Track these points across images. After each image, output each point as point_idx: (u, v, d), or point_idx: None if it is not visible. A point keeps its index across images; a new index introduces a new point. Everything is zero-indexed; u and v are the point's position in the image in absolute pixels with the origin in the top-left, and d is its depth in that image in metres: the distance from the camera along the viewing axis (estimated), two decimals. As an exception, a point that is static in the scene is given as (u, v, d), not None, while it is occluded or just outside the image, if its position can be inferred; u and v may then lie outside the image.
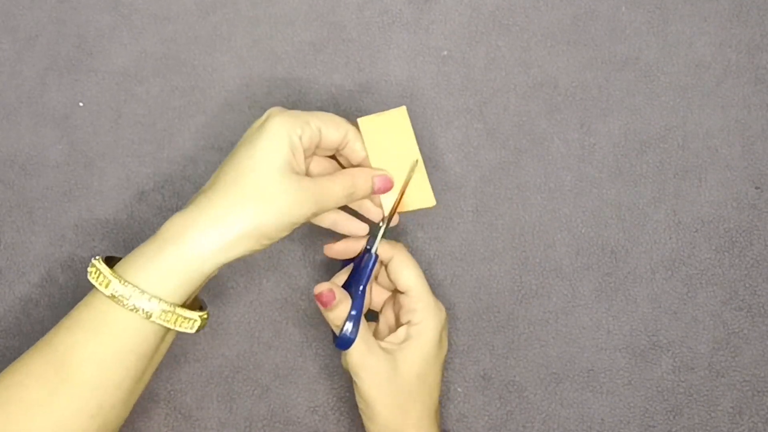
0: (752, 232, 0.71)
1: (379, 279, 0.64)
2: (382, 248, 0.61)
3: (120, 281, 0.53)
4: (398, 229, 0.71)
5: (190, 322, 0.55)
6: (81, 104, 0.71)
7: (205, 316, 0.57)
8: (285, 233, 0.56)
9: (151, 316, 0.53)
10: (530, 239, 0.71)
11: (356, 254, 0.62)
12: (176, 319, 0.54)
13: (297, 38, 0.72)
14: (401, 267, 0.61)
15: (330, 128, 0.58)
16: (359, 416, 0.67)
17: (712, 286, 0.70)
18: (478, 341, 0.70)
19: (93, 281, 0.54)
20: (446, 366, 0.69)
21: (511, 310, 0.70)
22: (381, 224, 0.61)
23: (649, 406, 0.69)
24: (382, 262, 0.62)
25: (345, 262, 0.64)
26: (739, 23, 0.73)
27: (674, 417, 0.69)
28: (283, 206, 0.55)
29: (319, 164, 0.62)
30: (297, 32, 0.72)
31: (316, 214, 0.57)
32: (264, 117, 0.58)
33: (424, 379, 0.60)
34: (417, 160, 0.61)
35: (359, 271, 0.61)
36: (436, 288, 0.70)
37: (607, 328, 0.70)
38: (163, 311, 0.54)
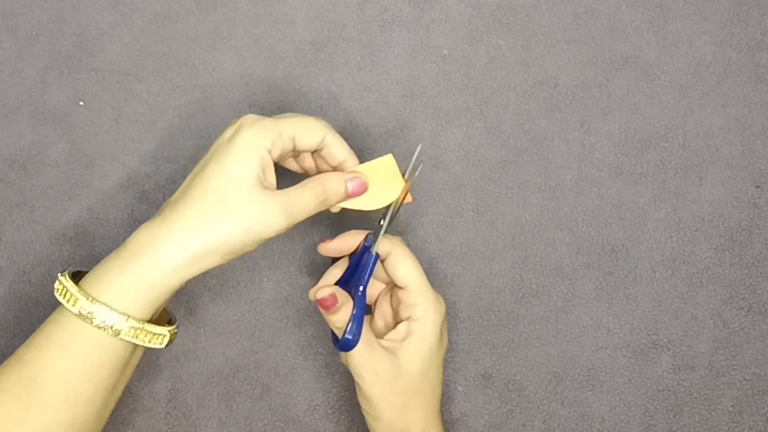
0: (752, 231, 0.71)
1: (375, 272, 0.63)
2: (380, 243, 0.61)
3: (87, 299, 0.53)
4: (398, 228, 0.71)
5: (159, 337, 0.55)
6: (81, 103, 0.71)
7: (174, 330, 0.57)
8: (252, 248, 0.56)
9: (119, 333, 0.53)
10: (531, 238, 0.71)
11: (351, 251, 0.62)
12: (145, 335, 0.54)
13: (297, 37, 0.72)
14: (400, 262, 0.60)
15: (304, 135, 0.57)
16: (360, 415, 0.67)
17: (712, 285, 0.70)
18: (478, 340, 0.70)
19: (60, 298, 0.54)
20: (447, 365, 0.69)
21: (512, 308, 0.70)
22: (381, 222, 0.61)
23: (650, 404, 0.69)
24: (379, 257, 0.62)
25: (335, 259, 0.63)
26: (739, 22, 0.73)
27: (674, 416, 0.69)
28: (250, 223, 0.54)
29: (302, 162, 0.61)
30: (297, 31, 0.72)
31: (288, 227, 0.56)
32: (236, 126, 0.57)
33: (426, 375, 0.60)
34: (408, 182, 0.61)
35: (359, 270, 0.60)
36: (436, 287, 0.70)
37: (607, 327, 0.70)
38: (132, 327, 0.53)
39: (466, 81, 0.72)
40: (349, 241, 0.61)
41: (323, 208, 0.58)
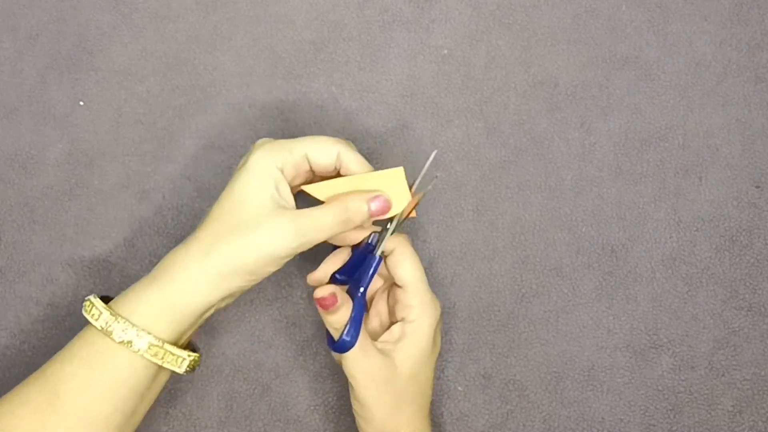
0: (752, 231, 0.71)
1: None
2: (385, 243, 0.60)
3: (110, 314, 0.54)
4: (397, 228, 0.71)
5: (179, 360, 0.56)
6: (81, 103, 0.71)
7: (196, 358, 0.57)
8: (272, 268, 0.56)
9: (139, 351, 0.54)
10: (531, 238, 0.71)
11: (355, 243, 0.61)
12: (164, 355, 0.55)
13: (297, 37, 0.72)
14: (402, 260, 0.60)
15: (317, 153, 0.57)
16: (360, 415, 0.67)
17: (712, 285, 0.70)
18: (478, 340, 0.70)
19: (86, 315, 0.55)
20: (447, 365, 0.69)
21: (512, 308, 0.70)
22: (389, 225, 0.60)
23: (650, 404, 0.69)
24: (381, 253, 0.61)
25: (335, 247, 0.62)
26: (739, 22, 0.73)
27: (675, 416, 0.69)
28: (263, 241, 0.54)
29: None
30: (297, 31, 0.72)
31: (304, 246, 0.56)
32: (249, 153, 0.57)
33: (417, 378, 0.59)
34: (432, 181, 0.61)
35: (360, 271, 0.60)
36: (436, 287, 0.70)
37: (607, 326, 0.70)
38: (151, 345, 0.54)
39: (466, 81, 0.72)
40: (355, 232, 0.61)
41: (347, 229, 0.58)
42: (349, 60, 0.72)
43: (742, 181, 0.71)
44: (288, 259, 0.56)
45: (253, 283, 0.56)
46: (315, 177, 0.61)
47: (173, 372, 0.57)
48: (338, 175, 0.60)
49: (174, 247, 0.58)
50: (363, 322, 0.59)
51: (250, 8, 0.72)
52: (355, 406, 0.60)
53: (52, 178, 0.70)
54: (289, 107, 0.71)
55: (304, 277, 0.70)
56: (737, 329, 0.70)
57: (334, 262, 0.61)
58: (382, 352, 0.59)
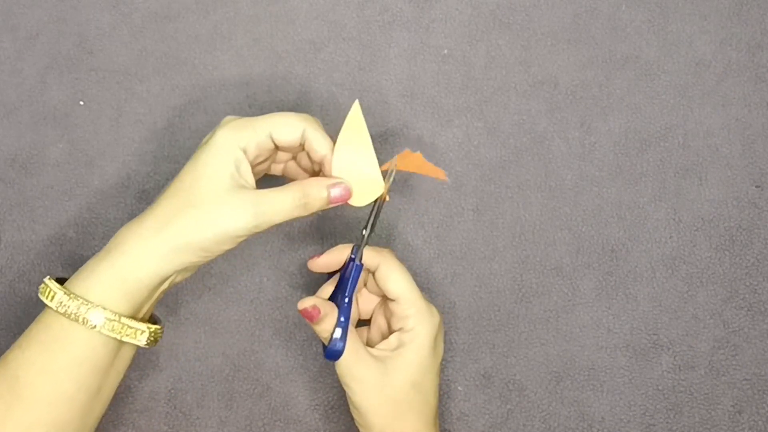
0: (752, 231, 0.71)
1: (368, 286, 0.63)
2: (368, 255, 0.60)
3: (65, 293, 0.54)
4: (398, 228, 0.71)
5: (137, 332, 0.55)
6: (81, 103, 0.71)
7: (156, 330, 0.57)
8: (227, 246, 0.56)
9: (96, 326, 0.53)
10: (531, 238, 0.71)
11: (341, 266, 0.61)
12: (122, 329, 0.54)
13: (297, 37, 0.72)
14: (389, 273, 0.60)
15: (282, 131, 0.57)
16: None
17: (712, 285, 0.70)
18: (478, 340, 0.70)
19: (42, 297, 0.55)
20: (447, 365, 0.69)
21: (512, 308, 0.70)
22: (363, 232, 0.60)
23: (650, 404, 0.69)
24: (369, 270, 0.61)
25: (330, 274, 0.63)
26: (739, 21, 0.73)
27: (675, 416, 0.69)
28: (218, 219, 0.54)
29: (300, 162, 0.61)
30: (297, 31, 0.72)
31: (260, 227, 0.55)
32: (214, 130, 0.57)
33: (419, 387, 0.59)
34: (394, 168, 0.59)
35: (344, 281, 0.60)
36: (436, 287, 0.70)
37: (607, 326, 0.70)
38: (108, 320, 0.54)
39: (466, 81, 0.72)
40: (338, 255, 0.61)
41: (305, 213, 0.57)
42: (349, 60, 0.72)
43: (742, 181, 0.71)
44: (243, 238, 0.56)
45: (207, 259, 0.56)
46: (279, 153, 0.61)
47: (137, 346, 0.56)
48: (304, 152, 0.59)
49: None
50: (351, 329, 0.59)
51: (250, 8, 0.72)
52: (354, 413, 0.60)
53: (52, 177, 0.70)
54: (289, 107, 0.71)
55: (304, 278, 0.70)
56: (737, 329, 0.70)
57: (327, 291, 0.62)
58: (378, 359, 0.58)
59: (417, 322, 0.59)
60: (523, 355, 0.70)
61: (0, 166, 0.70)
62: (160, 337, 0.58)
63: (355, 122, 0.58)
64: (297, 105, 0.71)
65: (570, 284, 0.70)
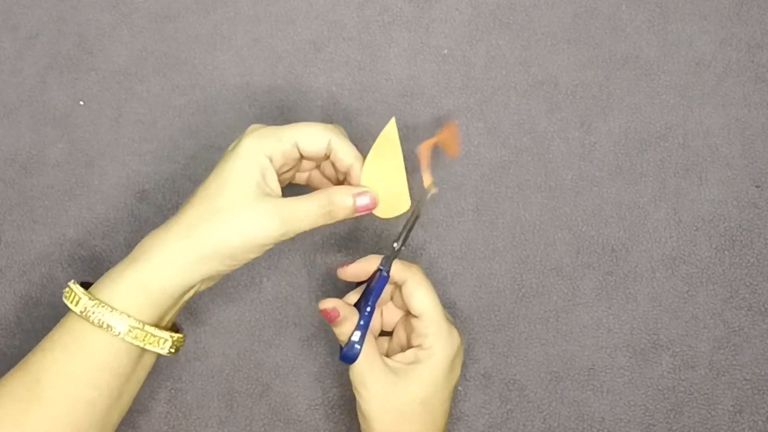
0: (752, 231, 0.71)
1: (394, 300, 0.63)
2: (396, 269, 0.60)
3: (89, 298, 0.54)
4: (398, 228, 0.71)
5: (161, 341, 0.55)
6: (81, 103, 0.71)
7: (178, 339, 0.57)
8: (252, 255, 0.56)
9: (119, 333, 0.53)
10: (531, 238, 0.71)
11: (369, 276, 0.61)
12: (145, 337, 0.54)
13: (297, 37, 0.72)
14: (415, 290, 0.59)
15: (307, 141, 0.57)
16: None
17: (712, 285, 0.70)
18: (478, 340, 0.70)
19: (66, 301, 0.55)
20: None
21: (512, 308, 0.70)
22: (395, 244, 0.60)
23: (650, 404, 0.69)
24: (396, 284, 0.61)
25: (358, 284, 0.63)
26: (739, 21, 0.73)
27: (675, 416, 0.69)
28: (245, 227, 0.54)
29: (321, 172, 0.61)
30: (297, 31, 0.72)
31: (286, 235, 0.56)
32: (239, 138, 0.57)
33: (428, 405, 0.58)
34: (431, 191, 0.60)
35: (369, 290, 0.60)
36: (436, 287, 0.70)
37: (607, 326, 0.70)
38: (132, 327, 0.54)
39: (466, 81, 0.72)
40: (368, 265, 0.60)
41: (330, 221, 0.57)
42: (349, 60, 0.72)
43: (742, 181, 0.71)
44: (270, 246, 0.56)
45: (233, 268, 0.56)
46: (304, 162, 0.61)
47: (158, 354, 0.56)
48: (328, 161, 0.60)
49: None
50: (370, 337, 0.59)
51: (250, 8, 0.72)
52: (360, 419, 0.60)
53: (52, 177, 0.70)
54: (289, 107, 0.71)
55: (304, 278, 0.70)
56: (737, 329, 0.70)
57: (352, 298, 0.61)
58: (391, 370, 0.58)
59: (435, 341, 0.58)
60: (523, 355, 0.70)
61: (0, 166, 0.70)
62: (182, 345, 0.58)
63: (390, 137, 0.59)
64: (297, 105, 0.71)
65: (570, 284, 0.70)
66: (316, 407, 0.69)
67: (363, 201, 0.57)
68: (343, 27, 0.72)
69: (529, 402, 0.69)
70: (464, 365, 0.69)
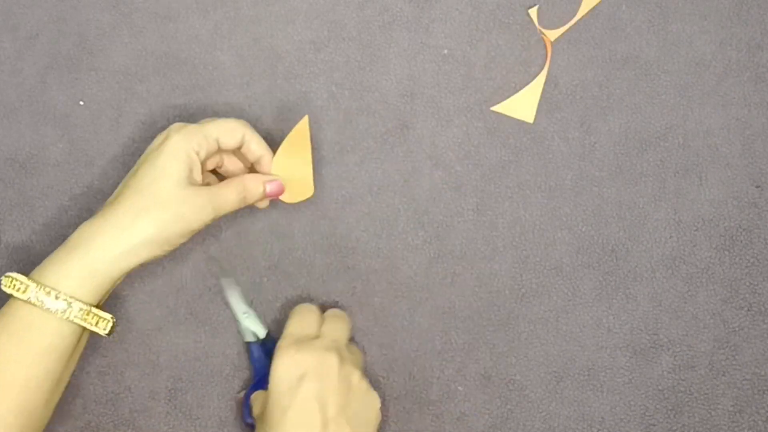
0: (752, 231, 0.71)
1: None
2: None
3: (37, 286, 0.57)
4: (398, 228, 0.71)
5: (105, 321, 0.60)
6: (81, 103, 0.71)
7: (114, 320, 0.61)
8: (185, 239, 0.61)
9: (69, 316, 0.57)
10: (531, 238, 0.71)
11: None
12: (92, 318, 0.59)
13: (297, 37, 0.72)
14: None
15: (227, 136, 0.63)
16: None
17: (712, 285, 0.70)
18: (478, 340, 0.70)
19: (8, 290, 0.58)
20: (447, 365, 0.69)
21: (512, 308, 0.70)
22: (245, 314, 0.68)
23: (650, 404, 0.69)
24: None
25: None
26: (739, 21, 0.73)
27: (675, 415, 0.69)
28: (182, 214, 0.60)
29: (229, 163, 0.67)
30: (297, 31, 0.72)
31: (214, 219, 0.62)
32: (164, 134, 0.62)
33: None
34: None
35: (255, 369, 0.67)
36: (436, 287, 0.70)
37: (607, 326, 0.70)
38: (81, 310, 0.58)
39: (466, 81, 0.72)
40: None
41: (244, 205, 0.64)
42: (349, 60, 0.72)
43: (742, 181, 0.71)
44: (198, 231, 0.62)
45: (168, 252, 0.61)
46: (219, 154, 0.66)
47: (96, 335, 0.60)
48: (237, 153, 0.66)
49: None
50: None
51: (250, 8, 0.72)
52: None
53: (52, 177, 0.70)
54: (289, 107, 0.71)
55: (304, 278, 0.70)
56: (737, 329, 0.70)
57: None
58: None
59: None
60: (523, 355, 0.70)
61: (0, 166, 0.70)
62: (116, 326, 0.62)
63: (302, 132, 0.66)
64: (297, 105, 0.71)
65: (570, 284, 0.70)
66: (316, 407, 0.69)
67: (272, 187, 0.65)
68: (343, 27, 0.72)
69: (529, 402, 0.69)
70: (464, 365, 0.69)
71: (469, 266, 0.70)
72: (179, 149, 0.61)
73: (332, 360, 0.59)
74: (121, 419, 0.68)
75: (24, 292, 0.57)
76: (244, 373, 0.69)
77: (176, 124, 0.63)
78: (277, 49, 0.72)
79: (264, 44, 0.72)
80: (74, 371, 0.62)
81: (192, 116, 0.71)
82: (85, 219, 0.69)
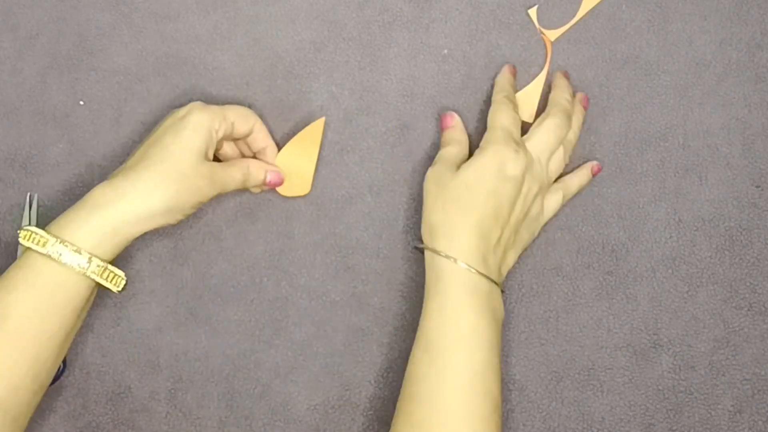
0: (752, 231, 0.71)
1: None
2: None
3: (57, 240, 0.59)
4: (398, 228, 0.71)
5: (119, 279, 0.61)
6: (81, 103, 0.71)
7: (126, 278, 0.63)
8: (194, 210, 0.64)
9: (86, 271, 0.59)
10: (531, 238, 0.71)
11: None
12: (108, 275, 0.61)
13: (297, 37, 0.72)
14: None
15: (241, 122, 0.66)
16: (359, 414, 0.67)
17: (712, 285, 0.70)
18: (478, 340, 0.70)
19: (27, 243, 0.59)
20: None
21: (512, 308, 0.70)
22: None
23: (650, 404, 0.69)
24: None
25: None
26: (739, 21, 0.73)
27: (674, 415, 0.69)
28: (198, 187, 0.63)
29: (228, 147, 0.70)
30: (297, 31, 0.72)
31: (219, 194, 0.65)
32: (186, 109, 0.64)
33: (472, 188, 0.63)
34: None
35: None
36: (436, 287, 0.70)
37: (607, 326, 0.70)
38: (98, 266, 0.60)
39: (466, 81, 0.72)
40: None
41: (244, 186, 0.67)
42: (349, 60, 0.72)
43: (742, 181, 0.71)
44: (204, 204, 0.65)
45: (179, 221, 0.63)
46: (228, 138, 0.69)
47: (107, 290, 0.62)
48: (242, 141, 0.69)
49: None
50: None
51: (249, 8, 0.72)
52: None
53: (52, 177, 0.70)
54: (289, 107, 0.71)
55: (304, 278, 0.70)
56: (737, 329, 0.70)
57: None
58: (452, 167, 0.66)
59: (487, 145, 0.65)
60: (523, 354, 0.70)
61: (0, 166, 0.70)
62: (127, 284, 0.63)
63: (314, 132, 0.70)
64: (297, 105, 0.71)
65: (570, 284, 0.70)
66: (316, 407, 0.69)
67: (272, 177, 0.68)
68: (343, 27, 0.72)
69: (530, 402, 0.69)
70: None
71: (469, 266, 0.70)
72: (203, 126, 0.63)
73: (534, 182, 0.65)
74: (121, 419, 0.68)
75: (43, 245, 0.59)
76: (244, 374, 0.69)
77: (197, 103, 0.65)
78: (277, 49, 0.72)
79: (264, 44, 0.72)
80: (80, 330, 0.64)
81: (192, 116, 0.71)
82: (85, 219, 0.69)
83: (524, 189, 0.65)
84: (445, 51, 0.72)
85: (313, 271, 0.70)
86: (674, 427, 0.69)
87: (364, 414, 0.69)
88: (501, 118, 0.66)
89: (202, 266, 0.70)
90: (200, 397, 0.68)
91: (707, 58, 0.72)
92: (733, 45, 0.73)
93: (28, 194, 0.70)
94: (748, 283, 0.70)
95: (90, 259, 0.59)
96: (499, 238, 0.64)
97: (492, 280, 0.63)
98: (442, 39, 0.72)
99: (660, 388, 0.69)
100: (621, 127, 0.72)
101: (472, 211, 0.63)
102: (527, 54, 0.72)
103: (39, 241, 0.59)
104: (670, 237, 0.71)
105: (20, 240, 0.60)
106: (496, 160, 0.64)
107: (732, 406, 0.69)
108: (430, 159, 0.71)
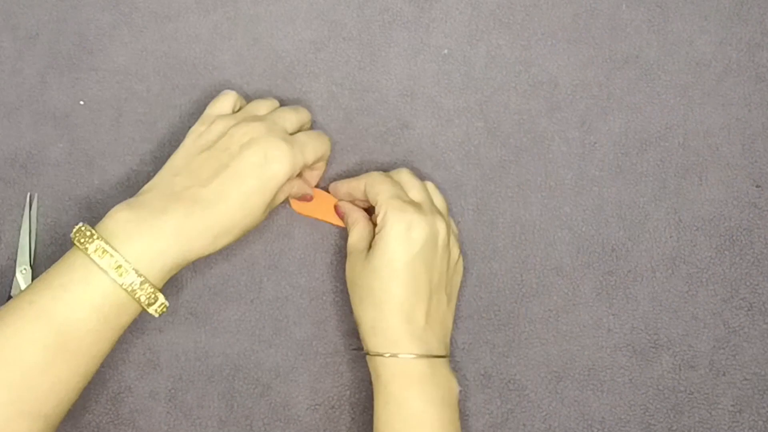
0: (753, 231, 0.71)
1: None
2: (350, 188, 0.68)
3: (136, 274, 0.57)
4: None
5: (162, 306, 0.60)
6: (82, 103, 0.71)
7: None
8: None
9: (140, 299, 0.58)
10: (531, 238, 0.71)
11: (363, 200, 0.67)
12: (155, 302, 0.59)
13: (297, 36, 0.72)
14: (367, 187, 0.65)
15: (313, 160, 0.64)
16: (360, 414, 0.67)
17: (712, 285, 0.70)
18: (478, 340, 0.70)
19: (101, 263, 0.57)
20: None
21: (512, 308, 0.70)
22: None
23: (650, 404, 0.69)
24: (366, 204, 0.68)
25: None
26: (739, 21, 0.73)
27: (675, 415, 0.69)
28: (254, 225, 0.62)
29: None
30: (297, 30, 0.72)
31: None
32: (274, 153, 0.61)
33: (378, 273, 0.61)
34: None
35: None
36: (436, 286, 0.70)
37: (607, 326, 0.70)
38: (149, 293, 0.58)
39: (466, 80, 0.72)
40: (359, 184, 0.68)
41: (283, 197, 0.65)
42: (349, 60, 0.72)
43: (742, 181, 0.71)
44: None
45: (233, 242, 0.62)
46: None
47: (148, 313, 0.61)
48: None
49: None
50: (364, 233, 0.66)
51: (250, 7, 0.72)
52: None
53: (52, 177, 0.70)
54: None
55: (304, 278, 0.70)
56: (737, 329, 0.70)
57: None
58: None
59: (385, 217, 0.62)
60: (524, 354, 0.70)
61: (0, 166, 0.70)
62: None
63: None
64: (297, 105, 0.71)
65: (570, 284, 0.70)
66: (317, 407, 0.69)
67: (305, 191, 0.67)
68: (343, 27, 0.72)
69: (530, 402, 0.69)
70: (464, 365, 0.69)
71: (469, 266, 0.70)
72: (281, 181, 0.61)
73: (442, 228, 0.63)
74: (121, 419, 0.68)
75: (120, 275, 0.57)
76: (244, 374, 0.69)
77: (284, 145, 0.62)
78: (277, 49, 0.72)
79: (264, 44, 0.72)
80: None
81: (192, 116, 0.71)
82: (86, 218, 0.69)
83: (439, 241, 0.63)
84: (445, 51, 0.72)
85: (313, 271, 0.70)
86: (674, 427, 0.69)
87: (364, 414, 0.69)
88: (382, 188, 0.64)
89: (202, 266, 0.70)
90: (200, 396, 0.69)
91: (707, 57, 0.72)
92: (733, 45, 0.73)
93: (28, 194, 0.70)
94: (748, 283, 0.70)
95: (147, 288, 0.58)
96: (428, 311, 0.62)
97: (434, 356, 0.61)
98: (442, 39, 0.72)
99: (660, 388, 0.69)
100: (621, 126, 0.72)
101: (389, 300, 0.61)
102: (527, 54, 0.72)
103: (119, 271, 0.57)
104: (670, 237, 0.71)
105: (89, 252, 0.57)
106: (399, 230, 0.61)
107: (732, 406, 0.69)
108: (430, 159, 0.71)
